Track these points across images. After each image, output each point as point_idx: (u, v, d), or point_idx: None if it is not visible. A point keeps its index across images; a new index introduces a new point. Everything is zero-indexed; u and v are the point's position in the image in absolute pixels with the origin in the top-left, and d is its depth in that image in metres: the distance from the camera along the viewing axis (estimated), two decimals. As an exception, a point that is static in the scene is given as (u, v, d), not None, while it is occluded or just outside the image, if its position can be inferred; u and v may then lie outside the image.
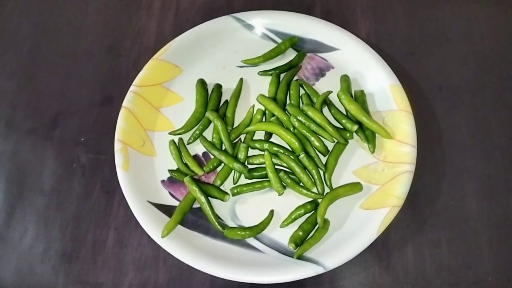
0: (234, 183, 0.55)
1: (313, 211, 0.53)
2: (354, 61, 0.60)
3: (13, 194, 0.58)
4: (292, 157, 0.54)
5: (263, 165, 0.55)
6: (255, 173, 0.55)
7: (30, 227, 0.57)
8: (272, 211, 0.53)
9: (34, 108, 0.63)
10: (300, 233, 0.51)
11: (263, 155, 0.55)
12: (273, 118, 0.57)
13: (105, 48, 0.67)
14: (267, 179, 0.55)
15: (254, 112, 0.59)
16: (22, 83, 0.65)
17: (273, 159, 0.55)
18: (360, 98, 0.58)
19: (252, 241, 0.52)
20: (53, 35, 0.69)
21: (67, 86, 0.64)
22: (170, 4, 0.69)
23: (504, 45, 0.64)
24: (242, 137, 0.58)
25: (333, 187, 0.54)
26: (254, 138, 0.57)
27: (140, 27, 0.68)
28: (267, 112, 0.58)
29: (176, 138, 0.58)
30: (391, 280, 0.52)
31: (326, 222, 0.51)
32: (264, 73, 0.61)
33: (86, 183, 0.58)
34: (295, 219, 0.52)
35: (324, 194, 0.53)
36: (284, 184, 0.54)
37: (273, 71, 0.61)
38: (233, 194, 0.54)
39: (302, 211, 0.52)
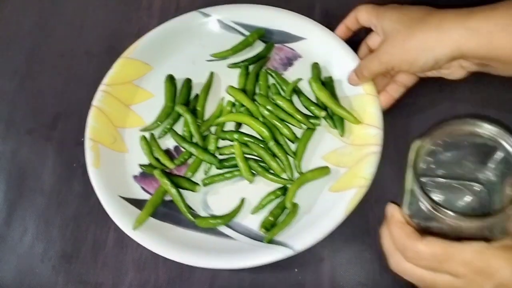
0: (205, 174, 0.56)
1: (283, 196, 0.53)
2: (320, 48, 0.60)
3: (13, 194, 0.58)
4: (262, 146, 0.55)
5: (234, 155, 0.56)
6: (226, 163, 0.55)
7: (30, 227, 0.56)
8: (243, 199, 0.54)
9: (34, 108, 0.64)
10: (271, 218, 0.51)
11: (233, 145, 0.56)
12: (242, 108, 0.58)
13: (105, 48, 0.67)
14: (238, 168, 0.55)
15: (224, 104, 0.59)
16: (22, 83, 0.65)
17: (243, 149, 0.55)
18: (329, 85, 0.59)
19: (224, 229, 0.52)
20: (53, 35, 0.69)
21: (67, 86, 0.65)
22: (170, 4, 0.69)
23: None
24: (214, 129, 0.59)
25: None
26: (225, 129, 0.58)
27: (140, 27, 0.67)
28: (236, 103, 0.59)
29: (147, 134, 0.58)
30: (391, 280, 0.50)
31: (295, 206, 0.52)
32: (233, 65, 0.62)
33: (86, 183, 0.56)
34: (265, 205, 0.53)
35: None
36: (254, 172, 0.54)
37: (242, 64, 0.62)
38: (204, 184, 0.55)
39: (273, 197, 0.53)
